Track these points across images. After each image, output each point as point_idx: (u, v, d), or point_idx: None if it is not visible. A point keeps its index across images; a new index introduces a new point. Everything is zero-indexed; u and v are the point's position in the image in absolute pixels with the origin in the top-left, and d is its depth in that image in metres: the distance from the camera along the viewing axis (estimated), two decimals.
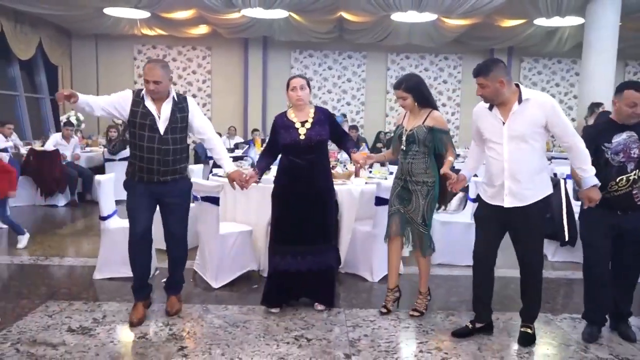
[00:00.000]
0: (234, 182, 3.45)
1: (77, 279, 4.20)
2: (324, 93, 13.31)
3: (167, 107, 3.27)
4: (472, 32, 11.58)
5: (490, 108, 3.02)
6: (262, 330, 3.21)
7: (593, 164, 2.96)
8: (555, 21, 10.22)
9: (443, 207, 3.77)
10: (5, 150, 7.38)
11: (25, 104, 11.41)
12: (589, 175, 2.92)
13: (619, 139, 3.06)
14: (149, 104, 3.24)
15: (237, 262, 4.09)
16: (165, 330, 3.17)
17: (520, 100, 2.92)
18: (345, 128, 7.58)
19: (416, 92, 3.41)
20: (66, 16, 10.90)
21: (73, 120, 8.81)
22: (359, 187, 4.39)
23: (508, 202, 2.97)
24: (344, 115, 11.76)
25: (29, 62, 11.45)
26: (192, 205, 4.84)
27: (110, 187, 4.22)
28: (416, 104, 3.41)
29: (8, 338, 2.98)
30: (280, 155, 3.59)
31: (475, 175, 3.82)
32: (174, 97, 3.29)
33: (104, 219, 4.14)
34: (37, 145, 7.97)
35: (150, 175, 3.26)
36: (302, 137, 3.40)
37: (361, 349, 2.98)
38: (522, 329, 3.14)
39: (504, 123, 2.95)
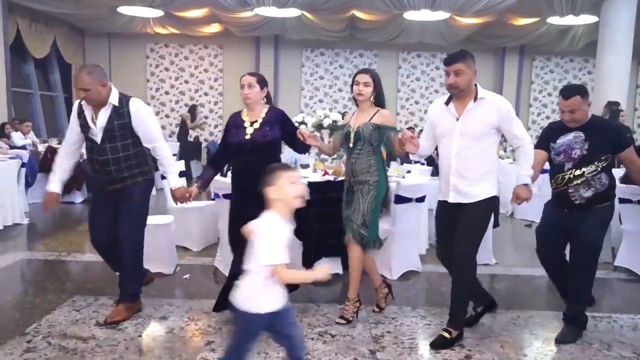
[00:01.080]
0: (176, 199, 3.33)
1: (100, 274, 4.25)
2: (335, 92, 13.33)
3: (103, 115, 3.11)
4: (484, 30, 11.56)
5: (447, 103, 3.04)
6: None
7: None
8: (569, 20, 10.18)
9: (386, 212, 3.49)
10: (23, 147, 7.48)
11: (40, 102, 11.52)
12: (523, 174, 3.00)
13: (564, 139, 3.11)
14: (87, 113, 3.14)
15: None
16: (192, 325, 3.22)
17: (475, 98, 2.95)
18: None
19: (378, 84, 3.32)
20: (80, 15, 10.99)
21: None
22: None
23: (452, 198, 3.02)
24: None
25: (44, 60, 11.56)
26: (212, 202, 4.94)
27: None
28: (372, 98, 3.30)
29: (39, 331, 3.04)
30: None
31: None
32: (113, 104, 3.11)
33: None
34: (54, 143, 8.06)
35: (99, 183, 3.27)
36: (247, 137, 3.22)
37: (385, 345, 3.02)
38: (441, 332, 3.04)
39: (457, 119, 2.98)
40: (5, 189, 5.76)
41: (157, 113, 12.60)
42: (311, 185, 4.15)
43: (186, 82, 13.13)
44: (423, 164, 8.28)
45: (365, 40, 12.49)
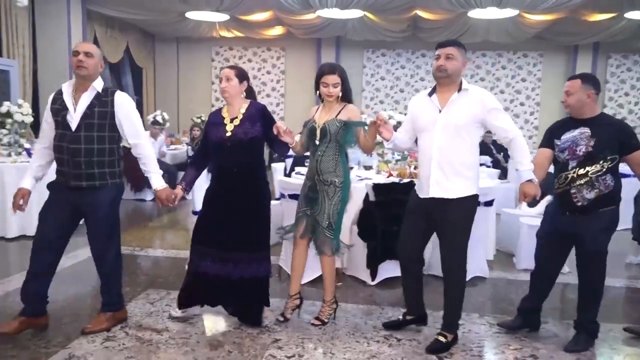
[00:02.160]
0: (160, 201, 3.14)
1: (171, 269, 4.43)
2: (396, 92, 13.20)
3: (85, 100, 2.86)
4: (554, 27, 11.06)
5: (431, 94, 2.95)
6: (351, 327, 3.26)
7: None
8: None
9: None
10: None
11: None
12: (525, 169, 2.85)
13: (569, 135, 2.96)
14: (66, 97, 2.88)
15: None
16: None
17: (460, 90, 2.86)
18: None
19: (346, 81, 3.16)
20: (151, 20, 11.51)
21: (159, 119, 9.30)
22: None
23: (432, 192, 2.88)
24: None
25: (117, 64, 12.19)
26: (277, 202, 5.02)
27: (202, 183, 4.41)
28: (339, 96, 3.14)
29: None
30: None
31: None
32: (97, 90, 2.89)
33: (196, 213, 4.33)
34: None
35: (62, 178, 2.92)
36: (227, 134, 3.06)
37: (453, 352, 2.95)
38: (436, 335, 3.00)
39: (440, 111, 2.88)
40: None
41: None
42: (375, 187, 4.15)
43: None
44: (489, 166, 8.04)
45: (427, 40, 12.28)
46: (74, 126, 2.84)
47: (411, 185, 4.16)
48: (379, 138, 3.10)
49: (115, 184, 3.01)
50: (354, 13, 10.30)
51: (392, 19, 10.91)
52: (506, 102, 12.73)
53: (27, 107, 6.04)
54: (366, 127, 3.08)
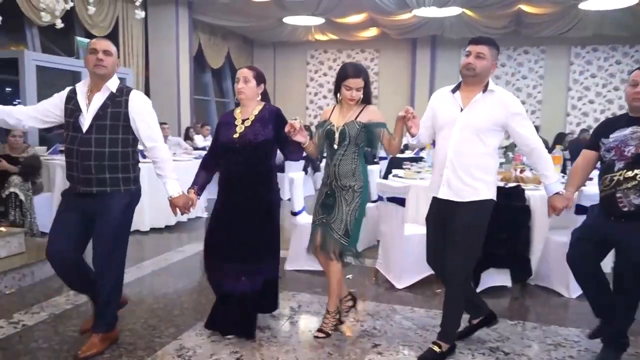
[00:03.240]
0: (177, 208, 2.90)
1: None
2: None
3: (98, 100, 2.69)
4: None
5: (454, 91, 2.80)
6: None
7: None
8: None
9: None
10: (204, 148, 8.36)
11: (215, 108, 12.82)
12: (551, 182, 2.77)
13: (619, 134, 2.67)
14: (80, 98, 2.71)
15: (421, 264, 4.00)
16: (357, 326, 3.26)
17: (485, 90, 2.72)
18: None
19: (368, 86, 2.97)
20: (251, 27, 11.98)
21: None
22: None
23: (442, 193, 2.76)
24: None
25: (219, 70, 12.84)
26: (374, 205, 4.99)
27: (301, 184, 4.50)
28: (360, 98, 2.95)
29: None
30: None
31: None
32: (111, 90, 2.72)
33: (295, 214, 4.42)
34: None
35: (73, 184, 2.73)
36: (236, 135, 2.90)
37: None
38: (431, 344, 2.81)
39: (461, 110, 2.73)
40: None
41: (315, 117, 13.19)
42: None
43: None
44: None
45: (531, 36, 11.63)
46: (85, 128, 2.66)
47: (518, 189, 3.94)
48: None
49: (129, 191, 2.77)
50: (452, 11, 10.00)
51: (493, 15, 10.44)
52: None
53: None
54: (387, 128, 2.92)
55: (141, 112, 2.75)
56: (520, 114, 2.74)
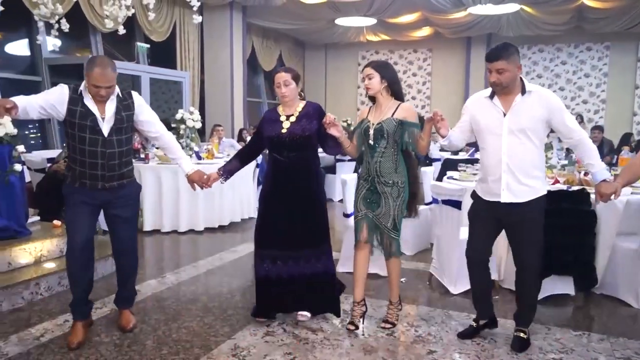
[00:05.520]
0: (194, 183, 3.21)
1: None
2: (555, 91, 12.09)
3: (111, 105, 2.90)
4: None
5: (492, 97, 2.86)
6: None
7: None
8: None
9: (413, 214, 3.31)
10: None
11: (267, 109, 12.97)
12: (597, 170, 2.80)
13: None
14: (88, 102, 2.86)
15: None
16: (411, 331, 3.20)
17: (523, 92, 2.78)
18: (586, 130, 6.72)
19: (387, 74, 3.07)
20: (303, 29, 12.07)
21: None
22: (623, 196, 3.80)
23: (505, 197, 2.83)
24: (580, 116, 10.49)
25: (271, 72, 12.99)
26: (427, 207, 4.89)
27: (354, 186, 4.45)
28: (386, 90, 3.07)
29: (276, 317, 3.33)
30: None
31: None
32: (118, 94, 2.93)
33: (348, 216, 4.39)
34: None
35: (93, 181, 2.90)
36: (284, 130, 3.11)
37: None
38: (515, 333, 2.98)
39: (504, 114, 2.79)
40: (244, 187, 6.59)
41: None
42: None
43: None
44: None
45: (594, 32, 11.11)
46: (106, 132, 2.88)
47: (583, 193, 3.75)
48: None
49: (134, 179, 3.14)
50: (510, 7, 9.68)
51: (553, 11, 10.04)
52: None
53: (197, 114, 6.69)
54: (420, 129, 3.03)
55: (147, 110, 3.06)
56: (561, 108, 2.80)
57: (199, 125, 6.66)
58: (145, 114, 3.04)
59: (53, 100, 2.85)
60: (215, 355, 2.84)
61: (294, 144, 3.10)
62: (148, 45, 9.23)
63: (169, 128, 6.93)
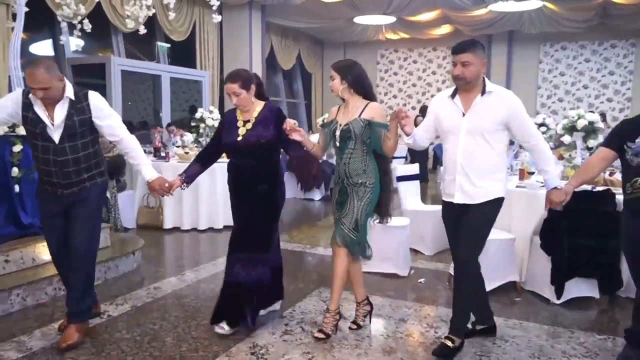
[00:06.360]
0: (155, 192, 3.08)
1: None
2: (578, 89, 11.90)
3: (61, 110, 2.73)
4: None
5: (453, 96, 2.82)
6: (535, 349, 2.96)
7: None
8: None
9: (385, 220, 3.12)
10: None
11: (286, 108, 13.02)
12: (550, 177, 2.81)
13: None
14: (37, 108, 2.72)
15: (498, 271, 3.85)
16: (431, 332, 3.17)
17: (483, 92, 2.74)
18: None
19: (349, 75, 2.96)
20: (322, 28, 12.05)
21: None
22: None
23: (458, 198, 2.82)
24: (602, 115, 10.25)
25: (289, 71, 13.04)
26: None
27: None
28: (348, 90, 2.97)
29: (294, 317, 3.36)
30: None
31: None
32: (70, 98, 2.75)
33: None
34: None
35: (53, 187, 2.84)
36: (239, 138, 3.02)
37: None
38: (443, 340, 2.86)
39: (463, 114, 2.76)
40: None
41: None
42: None
43: (414, 85, 13.30)
44: None
45: (619, 29, 10.86)
46: (57, 139, 2.75)
47: (608, 194, 3.67)
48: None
49: (104, 181, 3.01)
50: (532, 4, 9.52)
51: (576, 7, 9.85)
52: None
53: (216, 113, 6.74)
54: (387, 129, 2.92)
55: (104, 114, 2.86)
56: (521, 112, 2.76)
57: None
58: (103, 118, 2.85)
59: (8, 106, 2.77)
60: (233, 353, 2.85)
61: (248, 151, 3.02)
62: (168, 45, 9.32)
63: (189, 128, 7.06)
